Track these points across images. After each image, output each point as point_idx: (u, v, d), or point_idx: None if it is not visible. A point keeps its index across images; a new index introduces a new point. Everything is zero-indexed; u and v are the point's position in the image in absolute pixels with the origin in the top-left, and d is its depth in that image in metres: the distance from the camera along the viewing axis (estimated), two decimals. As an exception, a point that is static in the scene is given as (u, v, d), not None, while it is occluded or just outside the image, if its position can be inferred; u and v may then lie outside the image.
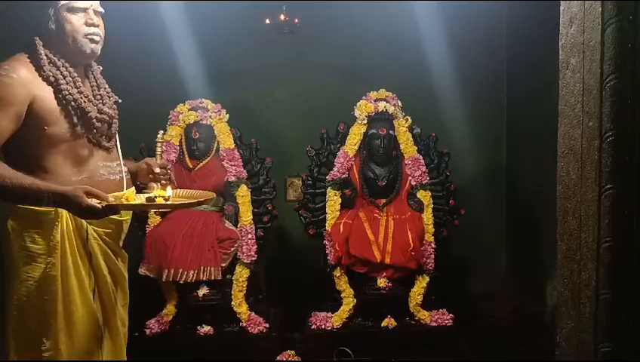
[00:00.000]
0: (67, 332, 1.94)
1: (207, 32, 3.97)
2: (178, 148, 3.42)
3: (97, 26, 1.97)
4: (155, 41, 3.91)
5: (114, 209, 1.84)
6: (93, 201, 1.74)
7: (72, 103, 1.91)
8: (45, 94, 1.88)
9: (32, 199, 1.81)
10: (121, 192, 1.97)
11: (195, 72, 3.95)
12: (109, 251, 2.06)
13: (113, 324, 2.10)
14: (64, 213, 1.89)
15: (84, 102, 1.94)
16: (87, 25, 1.94)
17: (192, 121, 3.42)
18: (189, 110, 3.44)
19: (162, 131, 2.22)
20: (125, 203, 1.88)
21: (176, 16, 3.93)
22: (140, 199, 1.93)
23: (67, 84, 1.91)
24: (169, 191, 1.96)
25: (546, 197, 1.77)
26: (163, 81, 3.92)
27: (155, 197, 1.91)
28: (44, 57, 1.90)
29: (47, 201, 1.79)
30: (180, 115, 3.43)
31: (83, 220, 1.93)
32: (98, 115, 1.98)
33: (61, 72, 1.91)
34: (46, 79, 1.89)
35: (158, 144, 2.16)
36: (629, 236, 1.50)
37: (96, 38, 1.97)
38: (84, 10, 1.94)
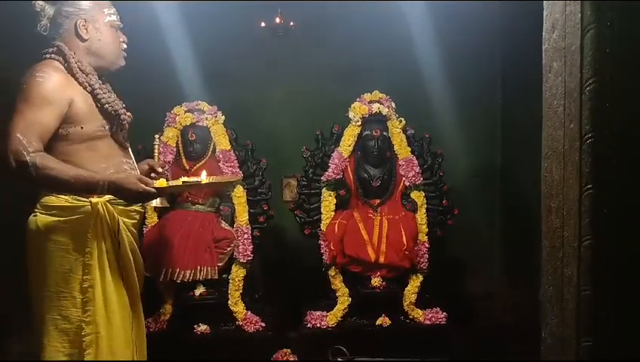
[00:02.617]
0: (106, 317, 2.06)
1: (204, 34, 4.01)
2: (175, 149, 3.47)
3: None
4: (151, 43, 3.94)
5: (162, 193, 2.10)
6: (145, 186, 1.97)
7: (107, 106, 2.11)
8: (81, 97, 2.06)
9: (87, 189, 1.99)
10: (156, 180, 2.16)
11: (191, 74, 3.99)
12: (133, 241, 2.21)
13: (138, 311, 2.24)
14: (99, 205, 2.04)
15: (116, 105, 2.15)
16: (121, 41, 2.22)
17: (188, 123, 3.46)
18: (186, 112, 3.47)
19: (157, 135, 2.39)
20: (171, 185, 2.14)
21: (172, 19, 3.97)
22: (178, 182, 2.17)
23: (99, 89, 2.10)
24: (203, 175, 2.23)
25: (539, 197, 1.81)
26: (159, 83, 3.96)
27: (197, 181, 2.17)
28: (75, 65, 2.08)
29: (101, 189, 1.96)
30: (177, 117, 3.47)
31: (115, 212, 2.09)
32: (126, 116, 2.19)
33: (90, 78, 2.10)
34: (81, 84, 2.08)
35: (156, 146, 2.35)
36: (609, 234, 1.54)
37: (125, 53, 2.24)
38: (120, 28, 2.22)
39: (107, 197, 2.05)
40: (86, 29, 2.11)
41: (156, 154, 2.42)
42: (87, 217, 2.04)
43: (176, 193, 3.24)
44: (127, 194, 1.98)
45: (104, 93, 2.11)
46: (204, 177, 2.22)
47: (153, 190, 1.99)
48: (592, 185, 1.54)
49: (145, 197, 2.02)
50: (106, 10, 2.16)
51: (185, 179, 2.20)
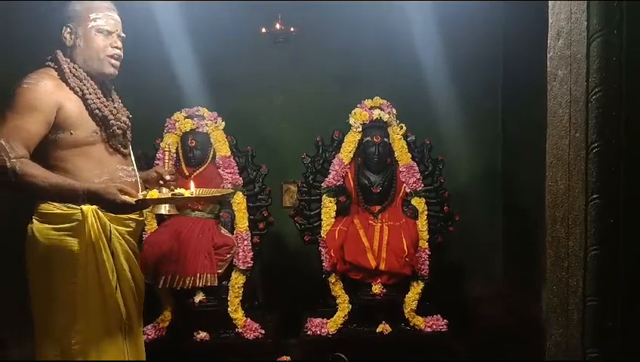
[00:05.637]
0: (95, 324, 2.06)
1: (204, 40, 4.01)
2: (174, 155, 3.45)
3: (120, 49, 2.15)
4: (151, 49, 3.94)
5: (144, 204, 2.03)
6: (126, 198, 1.90)
7: (97, 111, 2.09)
8: (71, 102, 2.04)
9: (66, 197, 1.94)
10: (147, 191, 2.12)
11: (192, 79, 4.00)
12: (129, 250, 2.19)
13: (134, 321, 2.21)
14: (89, 213, 2.02)
15: (107, 110, 2.11)
16: (112, 47, 2.13)
17: (188, 129, 3.45)
18: (186, 118, 3.46)
19: (168, 143, 2.37)
20: (155, 197, 2.03)
21: (173, 24, 3.97)
22: (166, 195, 2.11)
23: (91, 94, 2.08)
24: (192, 187, 2.18)
25: (540, 203, 1.80)
26: (160, 89, 3.96)
27: (180, 193, 2.10)
28: (68, 70, 2.07)
29: (81, 199, 1.92)
30: (177, 123, 3.46)
31: (106, 220, 2.07)
32: (118, 122, 2.15)
33: (83, 84, 2.08)
34: (72, 89, 2.06)
35: (167, 153, 2.41)
36: (615, 244, 1.53)
37: (117, 61, 2.16)
38: (111, 33, 2.13)
39: None
40: (70, 35, 2.09)
41: (167, 162, 2.41)
42: (78, 225, 2.03)
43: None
44: (107, 205, 1.93)
45: (96, 98, 2.09)
46: (193, 190, 2.16)
47: (132, 202, 1.91)
48: (598, 195, 1.53)
49: (125, 209, 1.94)
50: (92, 15, 2.09)
51: (175, 191, 2.14)
